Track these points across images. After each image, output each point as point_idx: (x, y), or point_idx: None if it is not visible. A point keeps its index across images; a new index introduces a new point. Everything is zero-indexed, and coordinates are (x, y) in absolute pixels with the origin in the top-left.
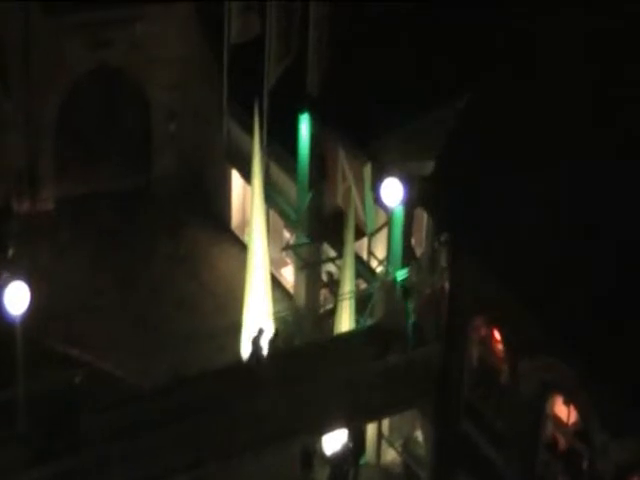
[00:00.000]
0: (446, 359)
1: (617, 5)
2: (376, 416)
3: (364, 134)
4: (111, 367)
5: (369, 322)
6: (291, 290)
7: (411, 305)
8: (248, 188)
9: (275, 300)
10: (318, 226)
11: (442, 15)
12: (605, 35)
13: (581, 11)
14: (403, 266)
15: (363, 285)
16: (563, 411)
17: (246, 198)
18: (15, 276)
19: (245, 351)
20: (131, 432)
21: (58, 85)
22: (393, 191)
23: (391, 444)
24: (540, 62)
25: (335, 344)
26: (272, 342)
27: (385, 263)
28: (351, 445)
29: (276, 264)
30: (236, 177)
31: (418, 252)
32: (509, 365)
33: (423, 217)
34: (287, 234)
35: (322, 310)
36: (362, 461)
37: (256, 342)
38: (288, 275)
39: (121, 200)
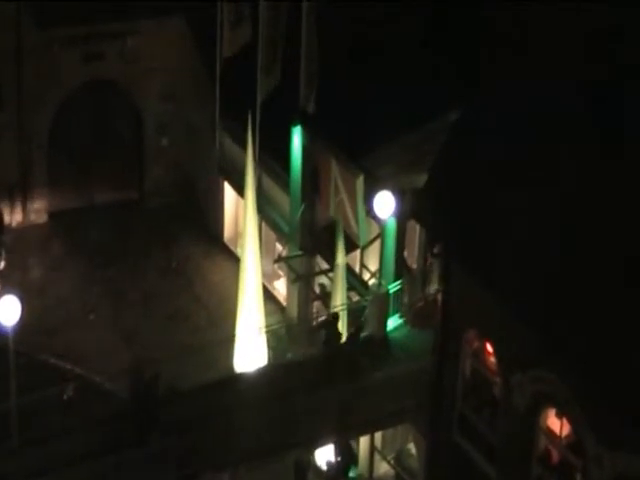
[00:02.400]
0: (439, 371)
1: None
2: (369, 429)
3: (357, 147)
4: (103, 380)
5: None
6: (284, 303)
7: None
8: (241, 201)
9: (267, 313)
10: (311, 238)
11: (440, 23)
12: (605, 37)
13: (579, 15)
14: (396, 278)
15: (356, 298)
16: (556, 424)
17: (238, 211)
18: (7, 289)
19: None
20: (125, 443)
21: (51, 97)
22: (386, 203)
23: (384, 457)
24: (536, 74)
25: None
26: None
27: (378, 275)
28: (339, 459)
29: (269, 277)
30: (229, 190)
31: (411, 264)
32: (502, 378)
33: (416, 229)
34: (279, 247)
35: (315, 322)
36: (353, 474)
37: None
38: (281, 288)
39: (114, 213)
